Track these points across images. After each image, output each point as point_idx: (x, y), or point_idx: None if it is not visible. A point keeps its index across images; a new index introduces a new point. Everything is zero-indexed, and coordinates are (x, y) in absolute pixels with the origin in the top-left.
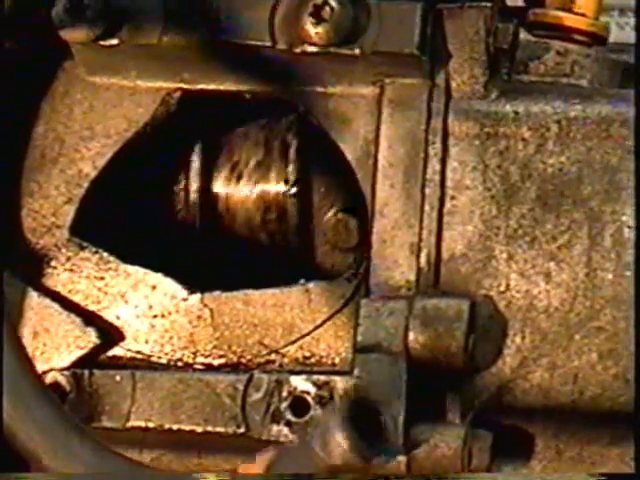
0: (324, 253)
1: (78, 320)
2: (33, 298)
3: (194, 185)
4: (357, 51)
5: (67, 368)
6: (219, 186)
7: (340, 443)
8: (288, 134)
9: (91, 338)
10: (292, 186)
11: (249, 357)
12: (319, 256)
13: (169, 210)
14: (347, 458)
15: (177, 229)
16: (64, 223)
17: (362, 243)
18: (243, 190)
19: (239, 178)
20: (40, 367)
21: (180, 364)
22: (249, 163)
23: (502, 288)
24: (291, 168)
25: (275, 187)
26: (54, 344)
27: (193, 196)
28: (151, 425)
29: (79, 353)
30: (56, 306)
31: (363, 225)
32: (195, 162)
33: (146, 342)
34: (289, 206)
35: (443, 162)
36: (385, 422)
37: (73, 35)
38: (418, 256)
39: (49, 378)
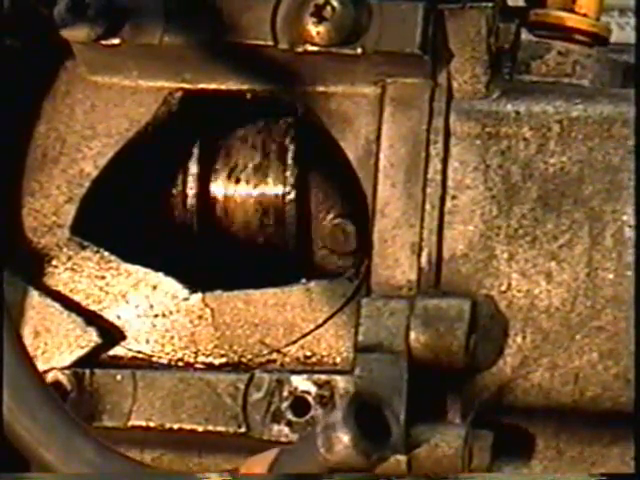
0: (322, 257)
1: (79, 319)
2: (34, 297)
3: (191, 190)
4: (359, 51)
5: (68, 367)
6: (217, 189)
7: (343, 441)
8: (286, 138)
9: (92, 337)
10: (290, 190)
11: (250, 357)
12: (317, 259)
13: (168, 211)
14: (350, 456)
15: (176, 230)
16: (65, 222)
17: (360, 248)
18: (241, 194)
19: (237, 182)
20: (41, 366)
21: (181, 364)
22: (247, 167)
23: (503, 288)
24: (289, 172)
25: (273, 191)
26: (55, 343)
27: (191, 200)
28: (152, 424)
29: (80, 352)
30: (57, 305)
31: (361, 230)
32: (193, 165)
33: (147, 342)
34: (287, 210)
35: (444, 162)
36: (388, 420)
37: (74, 34)
38: (419, 256)
39: (50, 377)
